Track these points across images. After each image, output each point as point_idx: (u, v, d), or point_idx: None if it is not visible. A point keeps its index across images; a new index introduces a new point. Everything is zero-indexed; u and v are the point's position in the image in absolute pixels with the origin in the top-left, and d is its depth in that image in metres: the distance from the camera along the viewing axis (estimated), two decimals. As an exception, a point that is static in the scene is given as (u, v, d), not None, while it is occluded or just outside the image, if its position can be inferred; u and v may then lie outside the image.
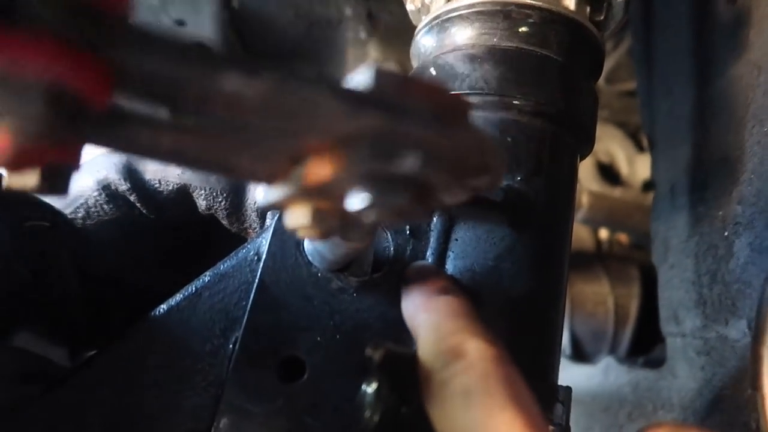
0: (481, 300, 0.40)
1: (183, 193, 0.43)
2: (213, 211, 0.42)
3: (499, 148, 0.33)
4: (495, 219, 0.41)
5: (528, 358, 0.41)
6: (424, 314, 0.34)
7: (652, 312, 0.67)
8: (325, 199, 0.24)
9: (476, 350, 0.30)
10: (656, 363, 0.65)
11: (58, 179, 0.19)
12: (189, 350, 0.36)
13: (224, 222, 0.42)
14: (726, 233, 0.51)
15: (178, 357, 0.36)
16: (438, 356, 0.30)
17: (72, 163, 0.19)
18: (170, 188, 0.43)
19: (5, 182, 0.19)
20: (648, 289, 0.81)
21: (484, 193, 0.40)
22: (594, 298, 0.93)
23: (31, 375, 0.42)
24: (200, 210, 0.43)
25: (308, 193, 0.23)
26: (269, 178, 0.24)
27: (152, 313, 0.36)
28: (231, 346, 0.36)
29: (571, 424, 0.74)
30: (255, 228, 0.43)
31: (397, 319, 0.37)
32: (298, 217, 0.24)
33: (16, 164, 0.17)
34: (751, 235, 0.48)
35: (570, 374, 0.77)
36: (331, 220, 0.24)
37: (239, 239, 0.45)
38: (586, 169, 0.94)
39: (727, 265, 0.50)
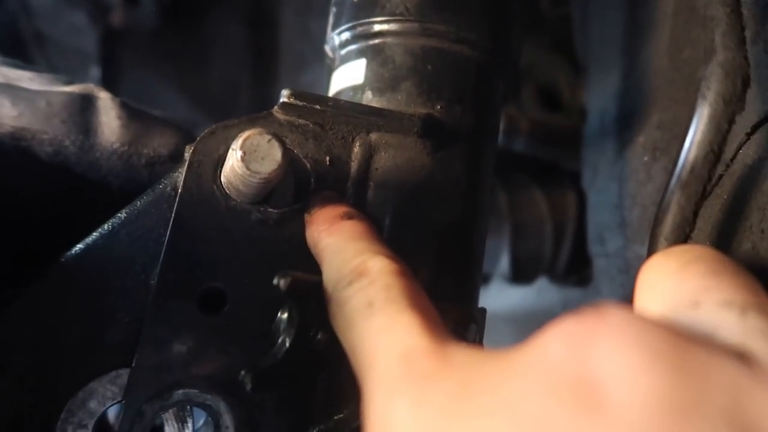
0: (401, 228, 0.41)
1: (18, 138, 0.38)
2: (61, 159, 0.39)
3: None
4: (415, 148, 0.41)
5: (448, 283, 0.42)
6: (327, 239, 0.35)
7: (582, 237, 0.70)
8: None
9: (378, 266, 0.31)
10: (585, 282, 0.69)
11: None
12: (109, 287, 0.36)
13: (75, 169, 0.39)
14: (645, 158, 0.53)
15: (99, 294, 0.36)
16: (342, 278, 0.31)
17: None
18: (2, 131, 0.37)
19: None
20: (583, 212, 0.84)
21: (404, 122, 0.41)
22: (533, 222, 0.95)
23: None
24: (44, 158, 0.38)
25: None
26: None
27: (69, 253, 0.36)
28: (152, 281, 0.36)
29: (507, 341, 0.77)
30: (116, 174, 0.41)
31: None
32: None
33: None
34: (667, 160, 0.49)
35: (508, 295, 0.80)
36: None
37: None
38: (526, 96, 0.94)
39: (645, 188, 0.52)
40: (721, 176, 0.32)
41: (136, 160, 0.41)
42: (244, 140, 0.33)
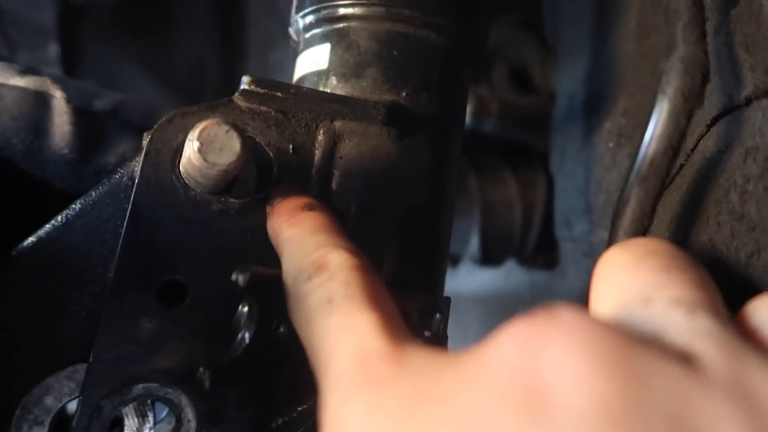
0: (366, 216, 0.41)
1: None
2: (5, 155, 0.38)
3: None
4: (380, 136, 0.41)
5: (413, 272, 0.42)
6: (288, 231, 0.34)
7: (549, 220, 0.71)
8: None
9: (338, 261, 0.30)
10: (552, 265, 0.69)
11: None
12: (65, 280, 0.35)
13: (19, 165, 0.38)
14: (611, 144, 0.53)
15: (54, 288, 0.35)
16: (301, 271, 0.31)
17: None
18: None
19: None
20: (551, 195, 0.84)
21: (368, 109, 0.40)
22: (503, 204, 0.95)
23: None
24: None
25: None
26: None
27: (21, 246, 0.35)
28: (110, 274, 0.35)
29: (475, 323, 0.78)
30: (62, 178, 0.40)
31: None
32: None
33: None
34: (632, 147, 0.50)
35: (477, 277, 0.81)
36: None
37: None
38: (497, 76, 0.94)
39: (610, 174, 0.53)
40: (681, 166, 0.32)
41: (83, 168, 0.40)
42: (201, 131, 0.32)
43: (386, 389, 0.23)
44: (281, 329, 0.34)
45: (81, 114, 0.40)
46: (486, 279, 0.79)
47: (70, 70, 0.94)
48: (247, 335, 0.32)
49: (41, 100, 0.39)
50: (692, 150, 0.33)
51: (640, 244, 0.27)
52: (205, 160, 0.32)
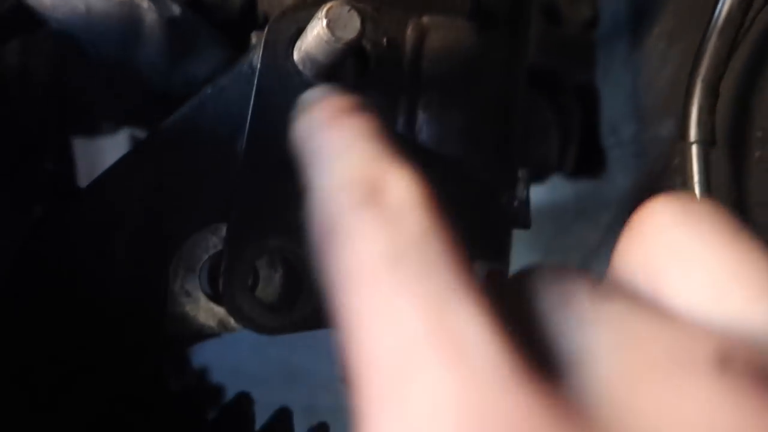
0: (451, 106, 0.46)
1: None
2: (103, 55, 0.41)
3: None
4: (464, 28, 0.45)
5: (491, 156, 0.47)
6: (325, 134, 0.24)
7: (593, 132, 0.75)
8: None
9: (403, 187, 0.20)
10: (597, 174, 0.74)
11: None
12: (202, 154, 0.41)
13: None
14: (661, 46, 0.57)
15: (194, 157, 0.40)
16: (343, 193, 0.21)
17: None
18: None
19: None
20: (589, 112, 0.88)
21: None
22: (539, 128, 0.99)
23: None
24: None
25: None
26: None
27: (166, 121, 0.40)
28: (239, 148, 0.41)
29: (520, 241, 0.83)
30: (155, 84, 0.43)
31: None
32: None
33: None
34: (684, 44, 0.54)
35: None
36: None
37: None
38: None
39: (660, 73, 0.57)
40: (753, 20, 0.36)
41: (175, 78, 0.45)
42: (328, 10, 0.37)
43: None
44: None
45: (175, 25, 0.43)
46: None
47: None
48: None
49: (133, 10, 0.42)
50: (762, 7, 0.36)
51: (685, 205, 0.21)
52: (333, 34, 0.37)
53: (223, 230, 0.40)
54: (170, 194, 0.40)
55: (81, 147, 0.60)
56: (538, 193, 0.85)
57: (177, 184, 0.40)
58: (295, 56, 0.42)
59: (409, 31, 0.45)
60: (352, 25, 0.37)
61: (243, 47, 0.45)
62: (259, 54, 0.42)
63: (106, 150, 0.66)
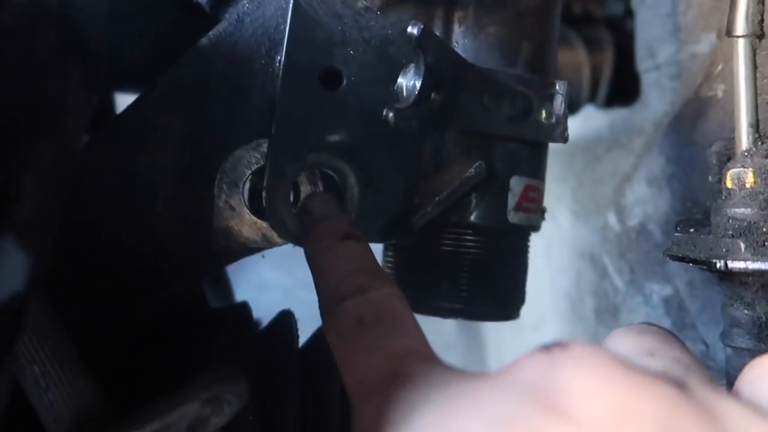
0: (487, 15, 0.45)
1: None
2: None
3: None
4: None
5: (539, 54, 0.47)
6: (325, 256, 0.36)
7: (628, 59, 0.74)
8: None
9: (372, 286, 0.33)
10: (631, 100, 0.73)
11: None
12: (241, 69, 0.41)
13: None
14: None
15: (232, 74, 0.41)
16: (336, 292, 0.33)
17: None
18: None
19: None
20: (623, 40, 0.86)
21: None
22: (570, 65, 0.98)
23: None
24: None
25: None
26: None
27: (202, 40, 0.41)
28: (277, 64, 0.41)
29: (555, 170, 0.82)
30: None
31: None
32: None
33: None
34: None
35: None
36: None
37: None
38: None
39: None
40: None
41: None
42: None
43: (416, 406, 0.25)
44: (433, 95, 0.39)
45: None
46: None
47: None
48: (417, 83, 0.38)
49: None
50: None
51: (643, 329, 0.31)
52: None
53: (265, 146, 0.41)
54: (211, 110, 0.40)
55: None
56: (570, 124, 0.84)
57: (217, 100, 0.41)
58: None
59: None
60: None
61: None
62: (295, -34, 0.41)
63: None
